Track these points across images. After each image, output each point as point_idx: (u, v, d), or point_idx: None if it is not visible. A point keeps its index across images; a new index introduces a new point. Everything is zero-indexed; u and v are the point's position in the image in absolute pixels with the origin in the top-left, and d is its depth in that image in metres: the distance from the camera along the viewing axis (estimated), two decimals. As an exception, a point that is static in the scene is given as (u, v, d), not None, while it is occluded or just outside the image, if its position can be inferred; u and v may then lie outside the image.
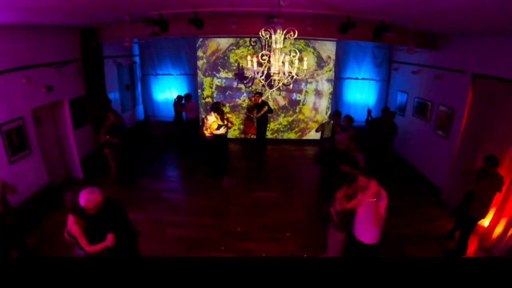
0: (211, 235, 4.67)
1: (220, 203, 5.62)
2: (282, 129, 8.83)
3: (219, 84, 8.53)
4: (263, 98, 7.71)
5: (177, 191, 6.19)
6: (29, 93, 4.80)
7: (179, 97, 8.10)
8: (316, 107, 8.60)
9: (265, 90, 7.97)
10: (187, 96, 7.94)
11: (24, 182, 4.77)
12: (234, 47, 8.19)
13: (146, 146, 8.26)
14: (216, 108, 6.02)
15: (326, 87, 8.45)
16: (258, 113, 7.54)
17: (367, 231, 3.28)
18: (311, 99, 8.51)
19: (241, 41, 8.11)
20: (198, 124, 7.78)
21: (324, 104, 8.59)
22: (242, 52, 8.15)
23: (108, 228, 2.82)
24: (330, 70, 8.26)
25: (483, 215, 4.10)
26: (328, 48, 8.07)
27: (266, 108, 7.52)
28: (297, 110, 8.62)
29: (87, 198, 2.69)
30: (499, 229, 4.22)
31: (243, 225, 4.93)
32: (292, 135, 8.87)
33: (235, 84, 8.47)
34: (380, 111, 8.24)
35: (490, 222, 4.40)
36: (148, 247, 4.34)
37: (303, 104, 8.55)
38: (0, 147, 4.33)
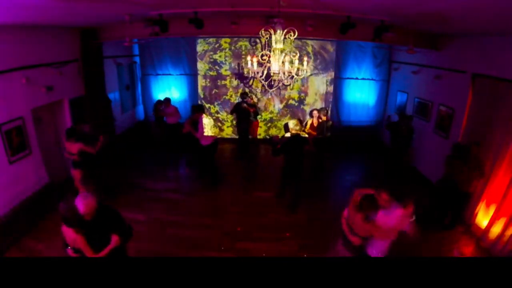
0: (211, 235, 4.67)
1: (220, 203, 5.62)
2: (274, 118, 8.77)
3: (203, 84, 8.53)
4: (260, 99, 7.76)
5: (177, 191, 6.19)
6: (29, 93, 4.79)
7: (158, 101, 7.78)
8: (304, 90, 8.53)
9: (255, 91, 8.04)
10: (166, 100, 7.59)
11: (24, 182, 4.77)
12: (212, 52, 8.25)
13: (146, 146, 8.26)
14: (201, 107, 6.07)
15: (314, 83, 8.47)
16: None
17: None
18: (298, 84, 8.47)
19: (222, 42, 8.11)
20: (179, 129, 7.13)
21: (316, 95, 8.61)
22: (220, 55, 8.25)
23: (106, 231, 2.81)
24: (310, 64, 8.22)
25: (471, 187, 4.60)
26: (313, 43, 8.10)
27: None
28: (286, 96, 8.59)
29: (85, 203, 2.65)
30: (497, 229, 4.22)
31: (243, 225, 4.93)
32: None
33: (218, 81, 8.45)
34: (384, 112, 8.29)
35: (488, 222, 4.41)
36: (148, 247, 4.35)
37: (291, 89, 8.51)
38: (0, 147, 4.33)
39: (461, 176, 4.52)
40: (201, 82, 8.55)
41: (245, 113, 7.45)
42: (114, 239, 2.78)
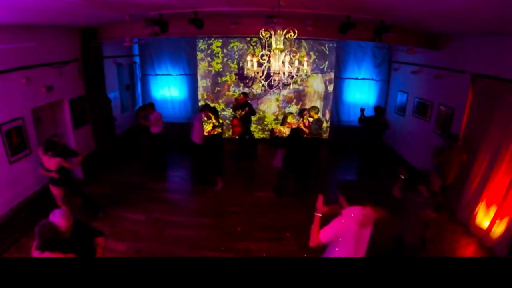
0: (211, 235, 4.67)
1: (220, 203, 5.62)
2: (280, 105, 8.68)
3: (204, 84, 8.52)
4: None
5: (177, 191, 6.19)
6: (29, 93, 4.80)
7: (141, 108, 6.90)
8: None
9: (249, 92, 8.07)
10: (151, 106, 6.65)
11: (24, 182, 4.77)
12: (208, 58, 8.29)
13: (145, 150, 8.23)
14: (207, 106, 6.17)
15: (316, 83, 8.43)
16: (241, 113, 7.41)
17: None
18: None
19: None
20: (161, 139, 6.90)
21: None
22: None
23: (88, 240, 2.78)
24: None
25: (450, 180, 4.83)
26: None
27: (247, 109, 7.37)
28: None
29: (64, 218, 2.55)
30: (500, 229, 4.22)
31: (243, 225, 4.93)
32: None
33: (218, 79, 8.44)
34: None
35: (490, 222, 4.41)
36: (148, 247, 4.36)
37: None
38: (0, 147, 4.33)
39: (446, 166, 4.77)
40: (201, 83, 8.53)
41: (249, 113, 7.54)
42: (100, 241, 2.75)
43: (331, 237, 2.54)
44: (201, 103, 8.60)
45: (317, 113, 6.42)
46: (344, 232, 2.52)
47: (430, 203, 3.32)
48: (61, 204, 4.45)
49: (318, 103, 8.52)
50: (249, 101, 7.71)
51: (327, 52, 8.15)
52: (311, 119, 6.40)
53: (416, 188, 3.35)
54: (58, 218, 2.53)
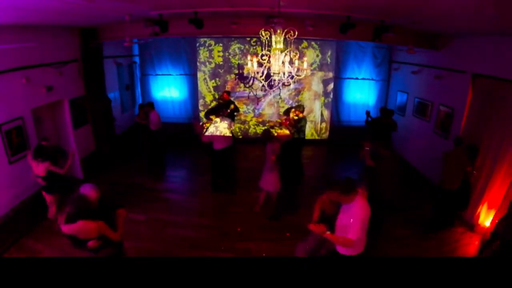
0: (211, 235, 4.67)
1: (220, 203, 5.62)
2: (289, 97, 8.60)
3: (214, 84, 8.52)
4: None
5: (177, 191, 6.19)
6: (29, 93, 4.80)
7: (140, 106, 7.22)
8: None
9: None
10: (150, 105, 6.82)
11: (24, 182, 4.77)
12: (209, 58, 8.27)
13: (146, 146, 8.24)
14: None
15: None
16: (226, 111, 7.12)
17: None
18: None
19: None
20: (160, 136, 7.00)
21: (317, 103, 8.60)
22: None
23: (111, 211, 3.01)
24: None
25: (448, 183, 4.60)
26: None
27: (232, 106, 7.18)
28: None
29: (93, 189, 2.84)
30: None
31: (243, 225, 4.93)
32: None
33: (227, 76, 8.42)
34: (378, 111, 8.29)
35: (491, 223, 4.41)
36: (148, 247, 4.35)
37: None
38: (0, 147, 4.33)
39: (445, 168, 4.69)
40: (211, 84, 8.52)
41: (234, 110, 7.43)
42: (122, 212, 3.01)
43: (363, 230, 2.68)
44: (213, 103, 8.50)
45: (302, 112, 6.26)
46: (368, 217, 2.68)
47: (393, 158, 4.64)
48: (55, 212, 4.60)
49: (318, 103, 8.52)
50: (232, 99, 7.56)
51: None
52: (296, 118, 6.29)
53: (381, 153, 4.41)
54: (88, 190, 2.81)
